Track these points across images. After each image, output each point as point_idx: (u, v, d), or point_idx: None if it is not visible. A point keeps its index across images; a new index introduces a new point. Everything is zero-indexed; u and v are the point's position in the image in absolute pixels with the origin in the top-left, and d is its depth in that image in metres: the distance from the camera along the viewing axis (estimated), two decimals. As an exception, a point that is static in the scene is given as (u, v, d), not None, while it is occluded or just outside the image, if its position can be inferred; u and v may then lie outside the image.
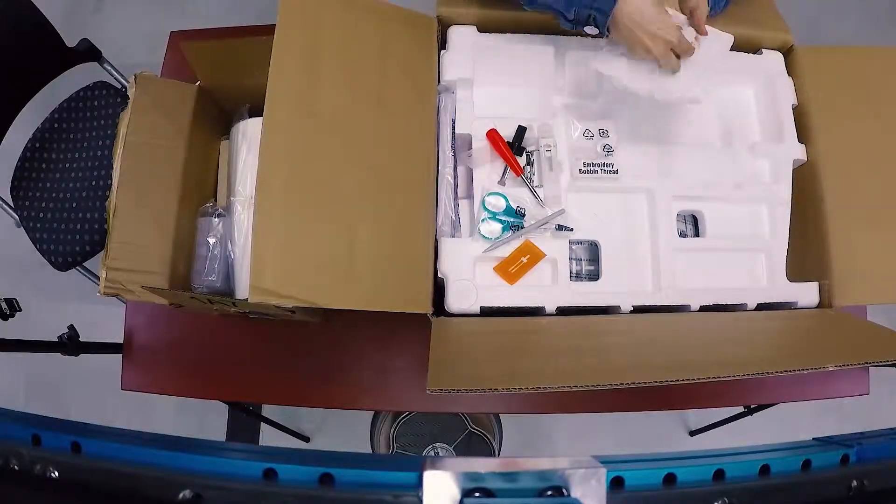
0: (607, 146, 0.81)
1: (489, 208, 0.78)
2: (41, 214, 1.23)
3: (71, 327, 0.96)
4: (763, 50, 0.88)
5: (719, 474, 0.33)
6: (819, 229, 0.81)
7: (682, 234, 0.85)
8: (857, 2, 1.89)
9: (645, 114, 0.85)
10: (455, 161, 0.80)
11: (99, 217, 1.19)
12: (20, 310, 0.90)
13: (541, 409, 0.94)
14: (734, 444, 0.39)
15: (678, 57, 0.74)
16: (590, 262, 0.83)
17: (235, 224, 0.86)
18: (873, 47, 0.88)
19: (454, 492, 0.28)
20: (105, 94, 1.28)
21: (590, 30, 0.75)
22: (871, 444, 0.38)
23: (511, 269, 0.77)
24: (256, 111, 0.84)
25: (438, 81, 0.82)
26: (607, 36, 0.75)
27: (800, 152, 0.84)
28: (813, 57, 0.86)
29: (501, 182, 0.80)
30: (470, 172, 0.80)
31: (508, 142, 0.80)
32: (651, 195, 0.81)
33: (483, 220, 0.77)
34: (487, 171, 0.80)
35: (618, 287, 0.80)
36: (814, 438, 0.43)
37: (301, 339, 0.92)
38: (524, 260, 0.77)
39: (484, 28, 0.84)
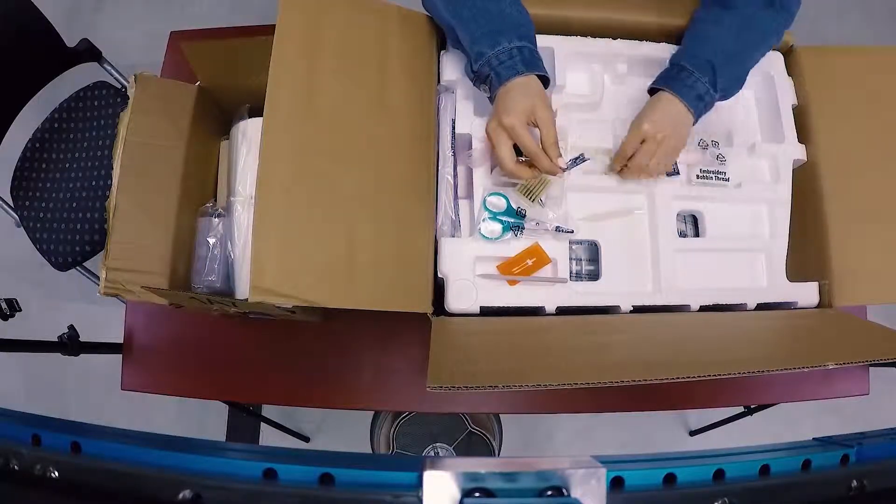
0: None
1: (490, 208, 0.78)
2: (41, 214, 1.23)
3: (71, 327, 0.96)
4: (763, 50, 0.87)
5: (719, 474, 0.33)
6: (819, 229, 0.81)
7: (682, 234, 0.85)
8: (857, 2, 1.89)
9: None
10: (455, 161, 0.80)
11: (99, 217, 1.19)
12: (20, 310, 0.90)
13: (541, 409, 0.94)
14: (734, 444, 0.39)
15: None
16: (590, 262, 0.83)
17: (235, 224, 0.86)
18: (873, 47, 0.88)
19: (454, 492, 0.28)
20: (105, 94, 1.28)
21: (484, 90, 0.75)
22: (871, 444, 0.38)
23: (515, 270, 0.77)
24: (256, 111, 0.83)
25: (438, 81, 0.82)
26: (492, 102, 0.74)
27: (800, 152, 0.84)
28: (813, 57, 0.86)
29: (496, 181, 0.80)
30: (470, 172, 0.80)
31: (508, 142, 0.80)
32: (651, 195, 0.81)
33: (483, 221, 0.77)
34: (487, 170, 0.80)
35: (618, 287, 0.80)
36: (814, 438, 0.43)
37: (301, 339, 0.92)
38: (529, 262, 0.77)
39: (484, 28, 0.84)
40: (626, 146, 0.76)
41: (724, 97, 0.79)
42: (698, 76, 0.75)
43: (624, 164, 0.78)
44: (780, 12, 0.79)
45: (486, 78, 0.73)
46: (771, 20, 0.79)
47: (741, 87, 0.81)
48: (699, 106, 0.76)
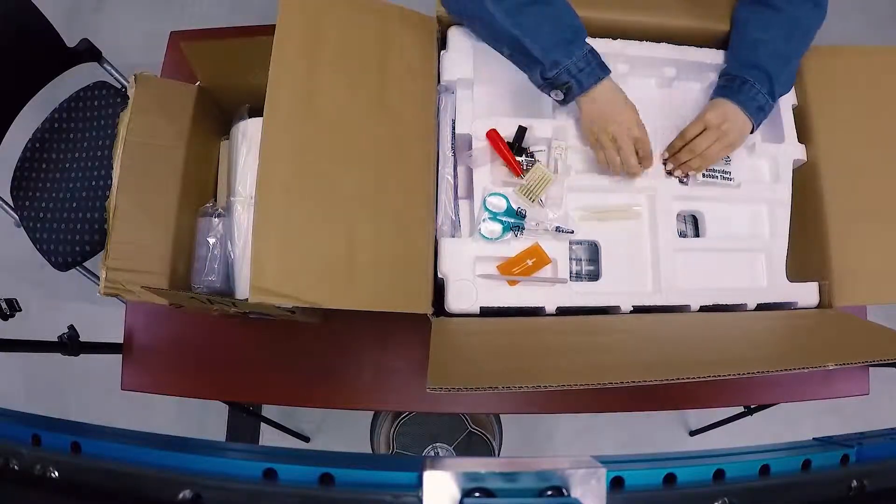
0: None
1: (490, 209, 0.77)
2: (41, 214, 1.23)
3: (71, 327, 0.96)
4: (763, 50, 0.87)
5: (719, 474, 0.33)
6: (819, 229, 0.81)
7: (682, 234, 0.85)
8: (857, 2, 1.89)
9: (644, 116, 0.84)
10: (455, 161, 0.80)
11: (99, 217, 1.19)
12: (20, 310, 0.89)
13: (541, 410, 0.94)
14: (734, 444, 0.39)
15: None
16: (590, 262, 0.83)
17: (235, 224, 0.86)
18: (873, 47, 0.88)
19: (454, 492, 0.28)
20: (105, 94, 1.28)
21: (555, 94, 0.76)
22: (871, 445, 0.38)
23: (515, 270, 0.77)
24: (256, 111, 0.84)
25: (438, 81, 0.82)
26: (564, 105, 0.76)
27: (800, 152, 0.84)
28: (813, 57, 0.86)
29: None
30: (470, 172, 0.80)
31: (508, 142, 0.80)
32: (651, 195, 0.81)
33: (483, 221, 0.77)
34: (487, 171, 0.80)
35: (618, 287, 0.80)
36: (814, 438, 0.43)
37: (301, 339, 0.92)
38: (529, 263, 0.77)
39: (484, 28, 0.84)
40: (688, 131, 0.78)
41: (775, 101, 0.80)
42: (759, 87, 0.76)
43: (681, 146, 0.79)
44: (816, 9, 0.80)
45: (563, 85, 0.73)
46: (813, 19, 0.81)
47: (790, 90, 0.82)
48: (759, 116, 0.77)
